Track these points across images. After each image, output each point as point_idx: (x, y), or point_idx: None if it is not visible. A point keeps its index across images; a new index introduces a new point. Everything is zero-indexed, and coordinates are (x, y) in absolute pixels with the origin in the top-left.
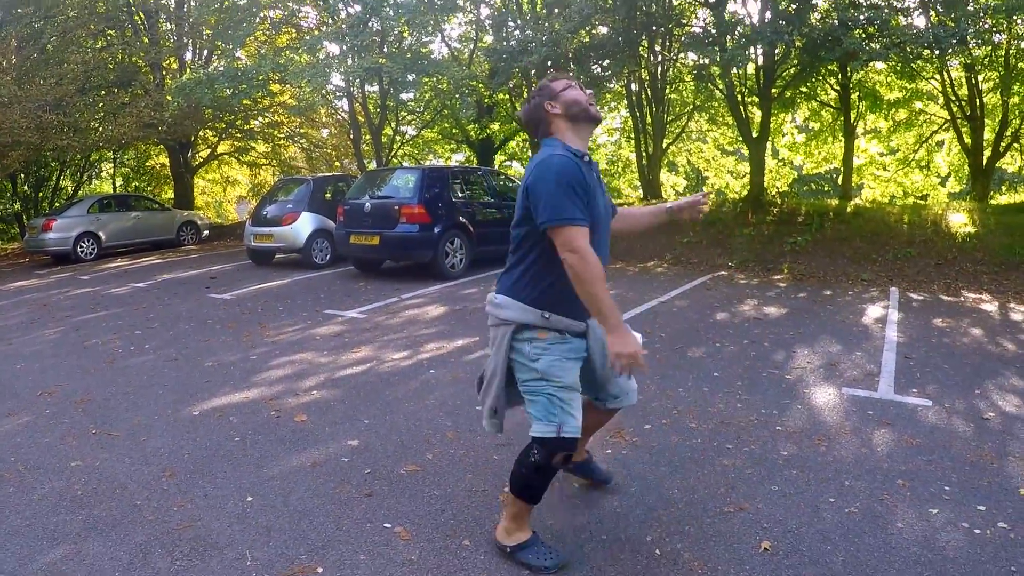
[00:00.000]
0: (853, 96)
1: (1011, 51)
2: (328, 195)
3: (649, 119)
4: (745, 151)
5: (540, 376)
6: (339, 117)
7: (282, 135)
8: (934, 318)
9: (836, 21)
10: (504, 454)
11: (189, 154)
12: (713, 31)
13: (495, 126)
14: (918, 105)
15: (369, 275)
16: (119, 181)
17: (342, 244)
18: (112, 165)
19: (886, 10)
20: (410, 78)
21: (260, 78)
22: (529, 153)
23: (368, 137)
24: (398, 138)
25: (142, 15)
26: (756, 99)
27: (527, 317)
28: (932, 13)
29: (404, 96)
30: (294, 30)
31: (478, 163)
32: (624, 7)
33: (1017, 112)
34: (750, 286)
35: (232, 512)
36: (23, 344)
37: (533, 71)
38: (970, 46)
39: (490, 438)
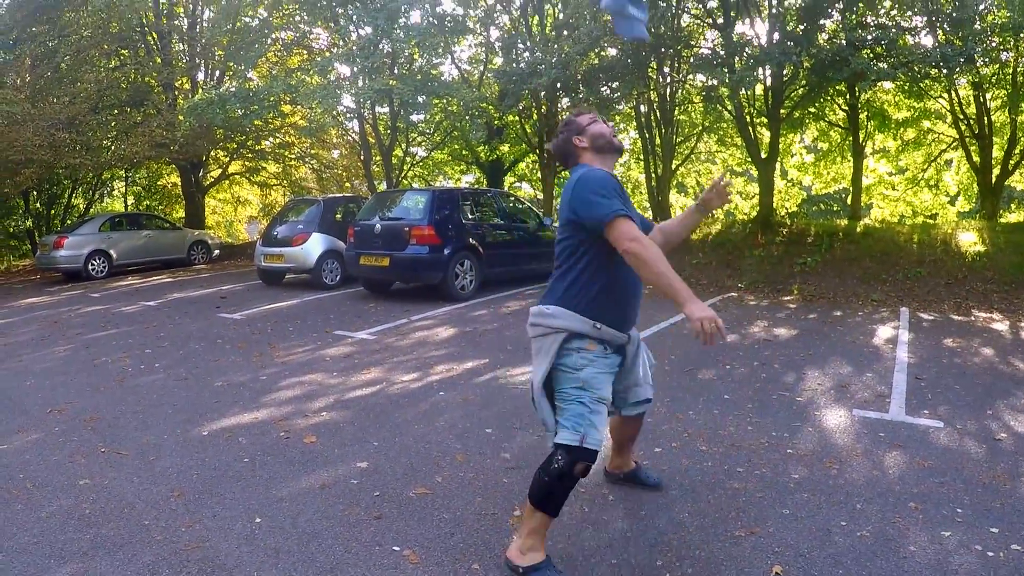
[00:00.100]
0: (861, 116)
1: (1019, 69)
2: (338, 216)
3: (658, 140)
4: (754, 172)
5: (581, 385)
6: (350, 138)
7: (293, 156)
8: (945, 338)
9: (844, 41)
10: (514, 477)
11: (200, 174)
12: (722, 52)
13: (505, 148)
14: (926, 124)
15: (379, 296)
16: (131, 200)
17: (352, 265)
18: (124, 184)
19: (893, 30)
20: (420, 100)
21: (271, 99)
22: (539, 175)
23: (378, 158)
24: (408, 159)
25: (155, 35)
26: (765, 120)
27: (580, 326)
28: (939, 32)
29: (414, 118)
30: (305, 52)
31: (488, 184)
32: None
33: None
34: (760, 307)
35: (240, 533)
36: (33, 361)
37: (543, 93)
38: (977, 64)
39: (499, 461)
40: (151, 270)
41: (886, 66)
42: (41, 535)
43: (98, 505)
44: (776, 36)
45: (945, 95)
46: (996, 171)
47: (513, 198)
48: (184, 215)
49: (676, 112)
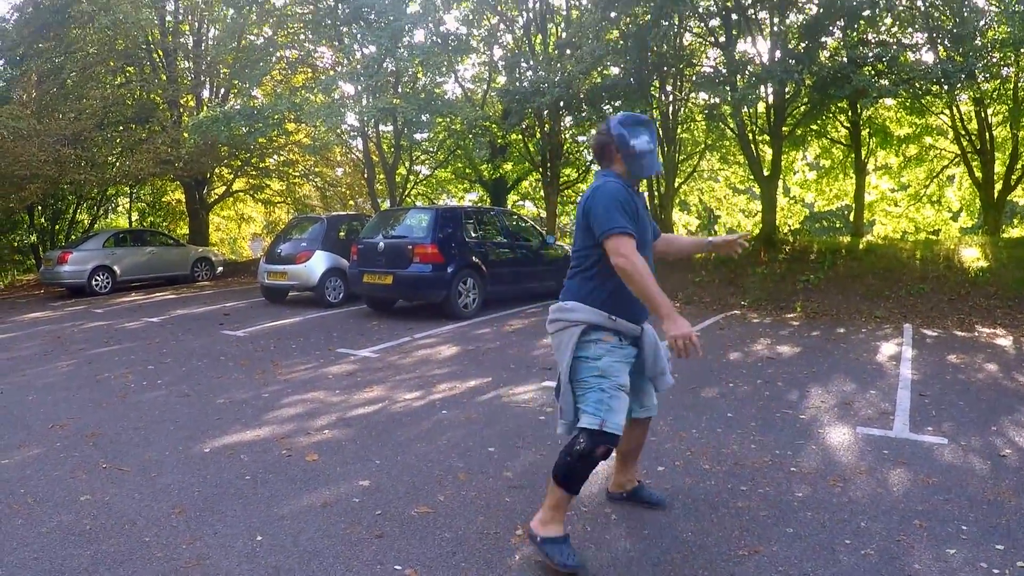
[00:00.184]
0: (863, 133)
1: (1020, 84)
2: (342, 234)
3: (661, 158)
4: (757, 189)
5: (600, 373)
6: (353, 156)
7: (297, 173)
8: (948, 354)
9: (845, 59)
10: (516, 496)
11: (205, 191)
12: (724, 71)
13: (508, 166)
14: (928, 140)
15: (382, 314)
16: (135, 216)
17: (355, 283)
18: (128, 200)
19: (894, 47)
20: (424, 118)
21: (276, 117)
22: (542, 193)
23: (382, 176)
24: (412, 177)
25: (161, 53)
26: (767, 137)
27: (597, 319)
28: (940, 48)
29: (418, 136)
30: (310, 70)
31: (491, 203)
32: (635, 48)
33: None
34: (763, 325)
35: (241, 551)
36: (36, 376)
37: (546, 111)
38: (979, 80)
39: (502, 480)
40: (155, 286)
41: (888, 83)
42: (42, 551)
43: (99, 521)
44: (778, 54)
45: (947, 111)
46: (998, 186)
47: (516, 216)
48: (188, 232)
49: (679, 130)
